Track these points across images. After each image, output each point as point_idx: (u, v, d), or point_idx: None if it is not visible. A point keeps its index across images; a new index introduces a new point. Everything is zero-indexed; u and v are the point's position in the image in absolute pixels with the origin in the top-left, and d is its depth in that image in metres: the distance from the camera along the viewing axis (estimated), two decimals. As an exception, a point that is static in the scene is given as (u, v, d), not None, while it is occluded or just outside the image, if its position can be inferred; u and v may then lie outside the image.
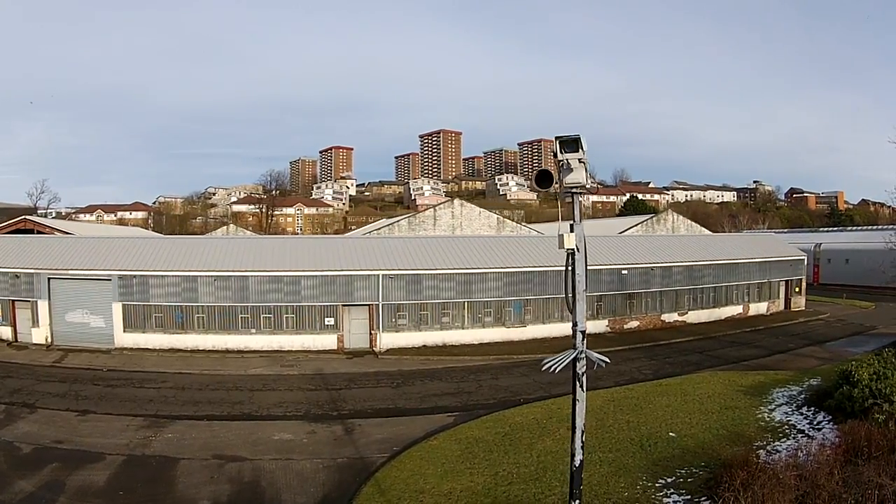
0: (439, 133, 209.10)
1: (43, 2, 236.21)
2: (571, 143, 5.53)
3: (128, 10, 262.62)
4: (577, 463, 5.99)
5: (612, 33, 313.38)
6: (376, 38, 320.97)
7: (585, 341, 5.58)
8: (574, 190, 5.75)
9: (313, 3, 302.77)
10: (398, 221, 43.26)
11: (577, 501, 6.00)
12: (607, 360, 5.65)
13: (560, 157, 5.55)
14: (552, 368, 5.64)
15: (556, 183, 5.78)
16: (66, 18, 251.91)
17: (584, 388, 5.66)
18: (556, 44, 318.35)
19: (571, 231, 5.75)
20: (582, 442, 5.91)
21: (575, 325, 5.63)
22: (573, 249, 5.69)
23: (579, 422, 5.70)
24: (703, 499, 12.03)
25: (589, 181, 5.69)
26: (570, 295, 5.64)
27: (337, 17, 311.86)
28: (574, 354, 5.61)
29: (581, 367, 5.59)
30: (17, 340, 27.80)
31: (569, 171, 5.58)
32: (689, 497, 12.18)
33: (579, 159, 5.54)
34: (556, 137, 5.51)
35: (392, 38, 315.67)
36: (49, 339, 27.53)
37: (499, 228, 43.06)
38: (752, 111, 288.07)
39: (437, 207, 43.45)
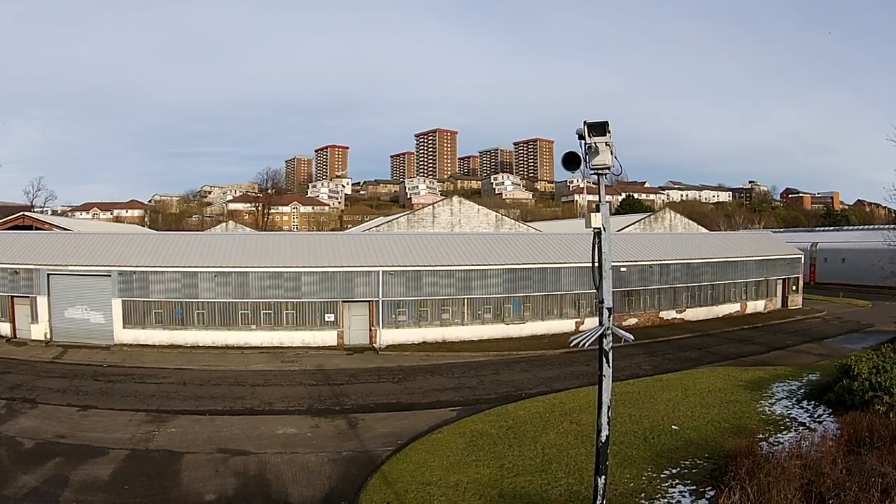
0: (435, 132, 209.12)
1: (38, 1, 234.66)
2: (599, 127, 5.66)
3: (123, 8, 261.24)
4: (603, 438, 6.07)
5: (608, 33, 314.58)
6: (372, 37, 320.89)
7: (612, 318, 5.66)
8: (600, 171, 5.85)
9: (309, 3, 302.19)
10: (397, 218, 43.30)
11: (604, 477, 6.07)
12: (632, 336, 5.71)
13: (588, 140, 5.67)
14: (581, 344, 5.73)
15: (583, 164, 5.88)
16: (61, 17, 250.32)
17: (611, 364, 5.74)
18: (552, 43, 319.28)
19: (598, 211, 5.83)
20: (608, 417, 6.00)
21: (601, 302, 5.72)
22: (600, 228, 5.77)
23: (605, 397, 5.78)
24: (708, 489, 12.13)
25: (614, 162, 5.79)
26: (597, 273, 5.72)
27: (332, 16, 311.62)
28: (601, 330, 5.70)
29: (608, 344, 5.68)
30: (15, 337, 27.64)
31: (596, 153, 5.69)
32: (694, 487, 12.27)
33: (606, 143, 5.66)
34: (585, 122, 5.65)
35: (387, 37, 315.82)
36: (48, 336, 27.38)
37: (497, 226, 43.14)
38: (748, 111, 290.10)
39: (435, 205, 43.50)
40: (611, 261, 5.51)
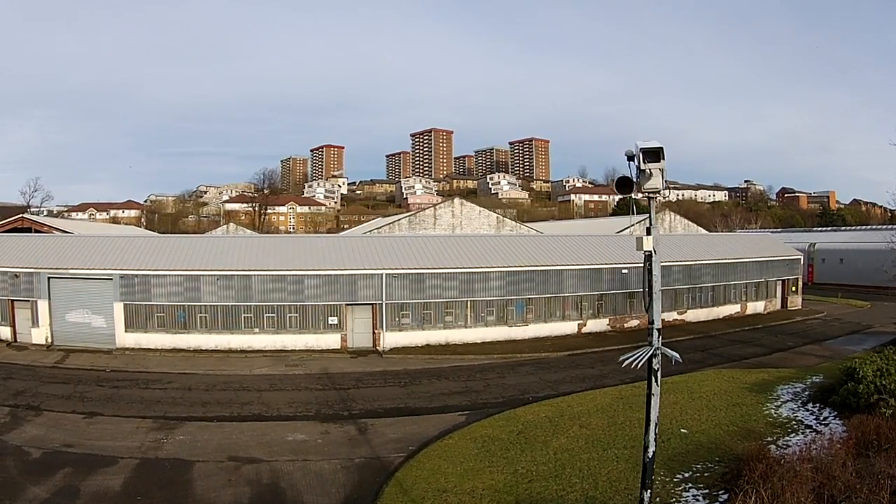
0: (430, 132, 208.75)
1: (34, 0, 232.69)
2: (653, 154, 5.71)
3: (119, 8, 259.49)
4: (650, 454, 6.12)
5: (604, 32, 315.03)
6: (367, 36, 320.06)
7: (661, 338, 5.68)
8: (651, 195, 5.89)
9: (304, 2, 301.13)
10: (399, 220, 43.22)
11: (649, 491, 6.12)
12: (679, 356, 5.74)
13: (643, 165, 5.72)
14: (633, 364, 5.76)
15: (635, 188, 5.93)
16: (57, 16, 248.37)
17: (659, 383, 5.78)
18: (548, 43, 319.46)
19: (648, 234, 5.85)
20: (655, 434, 6.03)
21: (651, 323, 5.75)
22: (651, 251, 5.79)
23: (653, 415, 5.82)
24: (720, 492, 12.21)
25: (664, 185, 5.85)
26: (647, 295, 5.75)
27: (328, 15, 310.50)
28: (651, 351, 5.73)
29: (657, 364, 5.70)
30: (16, 341, 27.38)
31: (648, 177, 5.74)
32: (706, 491, 12.35)
33: (659, 168, 5.72)
34: (640, 148, 5.70)
35: (383, 36, 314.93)
36: (49, 340, 27.16)
37: (498, 227, 43.16)
38: (743, 111, 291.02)
39: (437, 206, 43.46)
40: (660, 283, 5.54)
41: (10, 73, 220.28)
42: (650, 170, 5.67)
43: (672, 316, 35.08)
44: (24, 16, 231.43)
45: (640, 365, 5.65)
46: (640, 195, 5.86)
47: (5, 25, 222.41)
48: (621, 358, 6.01)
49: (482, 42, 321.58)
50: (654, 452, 6.14)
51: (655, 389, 5.69)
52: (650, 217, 5.93)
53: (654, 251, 5.74)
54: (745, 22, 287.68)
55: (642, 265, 5.89)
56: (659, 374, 5.69)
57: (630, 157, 5.79)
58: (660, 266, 5.78)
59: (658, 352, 5.69)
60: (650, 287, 5.69)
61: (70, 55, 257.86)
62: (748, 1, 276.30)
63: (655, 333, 5.65)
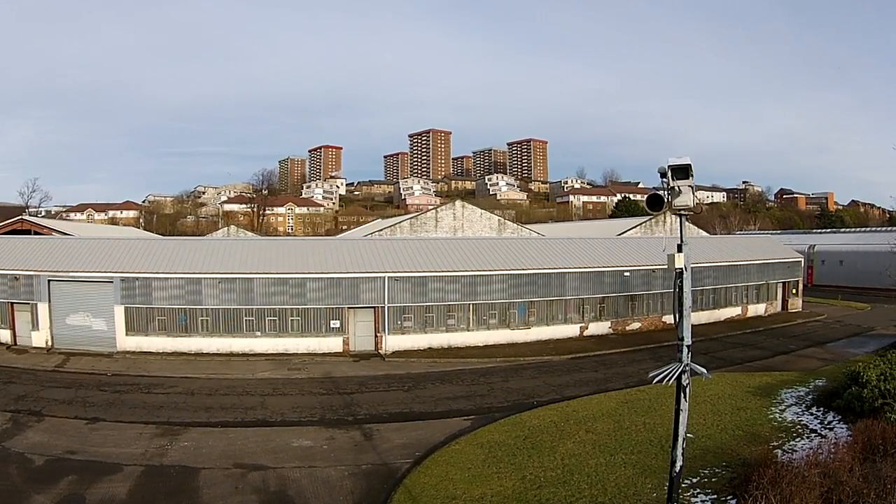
0: (429, 132, 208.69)
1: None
2: (682, 171, 5.68)
3: (116, 7, 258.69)
4: (676, 469, 6.09)
5: (602, 33, 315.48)
6: (366, 36, 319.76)
7: (690, 354, 5.66)
8: (682, 212, 5.85)
9: (303, 2, 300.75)
10: (400, 223, 43.09)
11: None
12: (707, 372, 5.72)
13: (672, 183, 5.69)
14: (663, 381, 5.72)
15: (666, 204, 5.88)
16: (55, 16, 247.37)
17: (688, 399, 5.76)
18: (546, 43, 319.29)
19: (680, 251, 5.81)
20: (682, 449, 6.00)
21: (681, 339, 5.71)
22: (682, 269, 5.75)
23: (681, 430, 5.81)
24: (729, 497, 12.21)
25: (695, 202, 5.82)
26: (677, 312, 5.71)
27: (327, 15, 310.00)
28: (681, 368, 5.70)
29: (686, 379, 5.68)
30: (16, 344, 27.19)
31: (678, 194, 5.70)
32: (715, 496, 12.35)
33: (689, 185, 5.68)
34: (669, 165, 5.67)
35: (382, 36, 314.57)
36: (49, 343, 27.00)
37: (500, 230, 43.10)
38: (742, 111, 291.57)
39: (438, 209, 43.38)
40: (691, 299, 5.50)
41: (9, 73, 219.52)
42: (679, 187, 5.64)
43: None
44: (23, 15, 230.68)
45: (670, 382, 5.62)
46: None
47: (3, 25, 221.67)
48: (651, 374, 6.00)
49: (480, 42, 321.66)
50: (681, 467, 6.11)
51: (684, 405, 5.67)
52: (681, 233, 5.89)
53: (686, 268, 5.70)
54: (744, 22, 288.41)
55: (673, 282, 5.86)
56: (688, 389, 5.66)
57: (663, 175, 5.76)
58: (690, 282, 5.75)
59: (688, 368, 5.66)
60: (681, 304, 5.65)
61: (68, 55, 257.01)
62: (747, 1, 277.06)
63: (685, 350, 5.62)
